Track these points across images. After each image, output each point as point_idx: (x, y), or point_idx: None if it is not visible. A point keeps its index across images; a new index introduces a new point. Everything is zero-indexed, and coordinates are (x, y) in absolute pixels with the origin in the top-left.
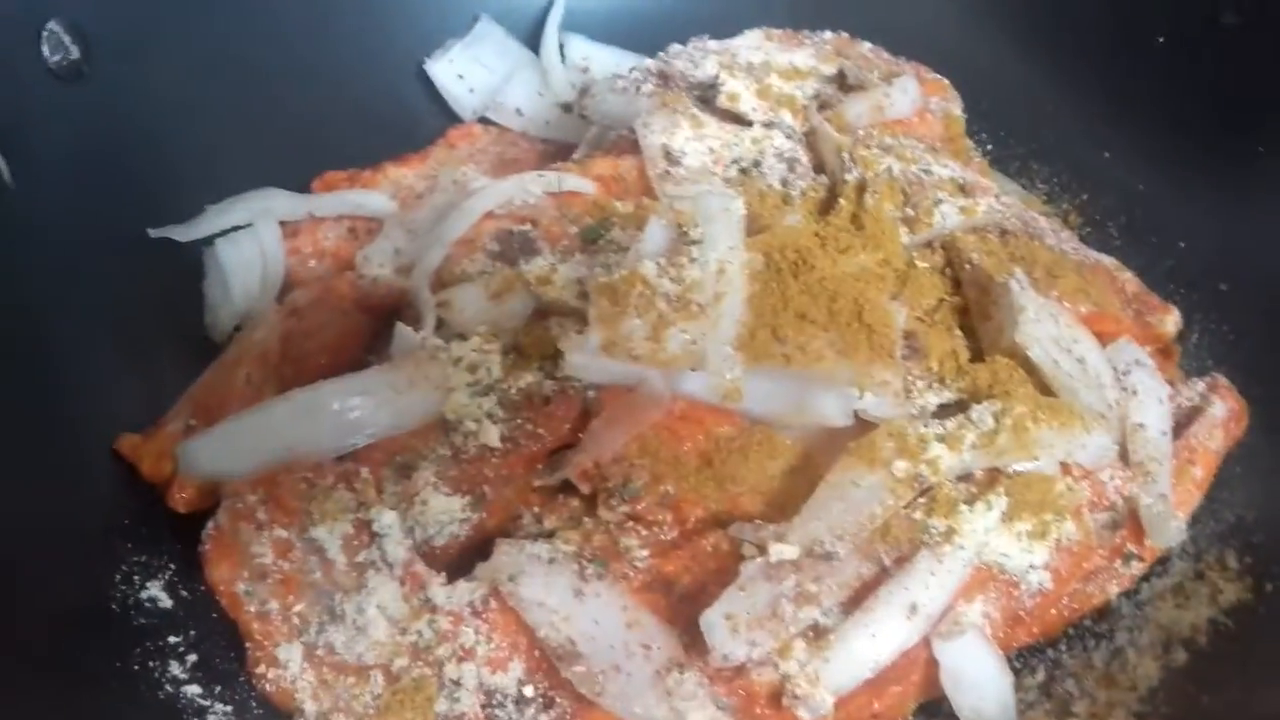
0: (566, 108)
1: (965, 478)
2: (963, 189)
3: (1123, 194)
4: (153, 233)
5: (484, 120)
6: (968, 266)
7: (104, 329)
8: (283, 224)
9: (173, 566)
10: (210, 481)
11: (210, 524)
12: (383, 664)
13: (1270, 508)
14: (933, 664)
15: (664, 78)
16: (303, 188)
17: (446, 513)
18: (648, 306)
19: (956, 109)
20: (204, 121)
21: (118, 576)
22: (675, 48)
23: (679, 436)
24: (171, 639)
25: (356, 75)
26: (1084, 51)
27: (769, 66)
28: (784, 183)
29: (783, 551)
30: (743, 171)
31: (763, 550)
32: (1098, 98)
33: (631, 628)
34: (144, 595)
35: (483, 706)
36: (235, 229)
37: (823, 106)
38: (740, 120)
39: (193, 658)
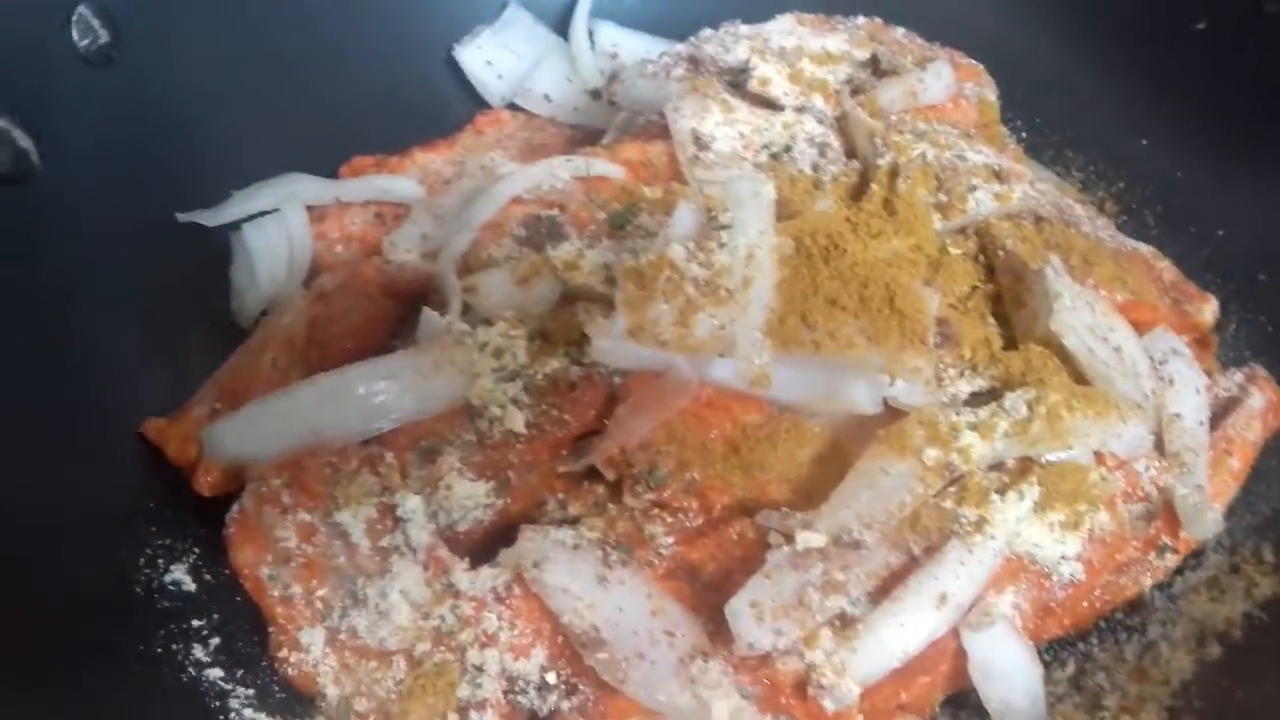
0: (595, 94)
1: (997, 467)
2: (997, 175)
3: (1160, 182)
4: (180, 217)
5: (512, 106)
6: (1001, 253)
7: (130, 313)
8: (310, 209)
9: (197, 550)
10: (235, 465)
11: (235, 507)
12: (405, 649)
13: None
14: (961, 655)
15: (694, 62)
16: (330, 173)
17: (471, 498)
18: (675, 291)
19: (991, 95)
20: (232, 106)
21: (142, 560)
22: (706, 32)
23: (706, 423)
24: (195, 622)
25: (385, 61)
26: (1122, 38)
27: (801, 51)
28: (815, 168)
29: (810, 539)
30: (773, 157)
31: (790, 538)
32: (1136, 84)
33: (655, 615)
34: (168, 579)
35: (505, 693)
36: (262, 214)
37: (855, 91)
38: (771, 105)
39: (215, 641)
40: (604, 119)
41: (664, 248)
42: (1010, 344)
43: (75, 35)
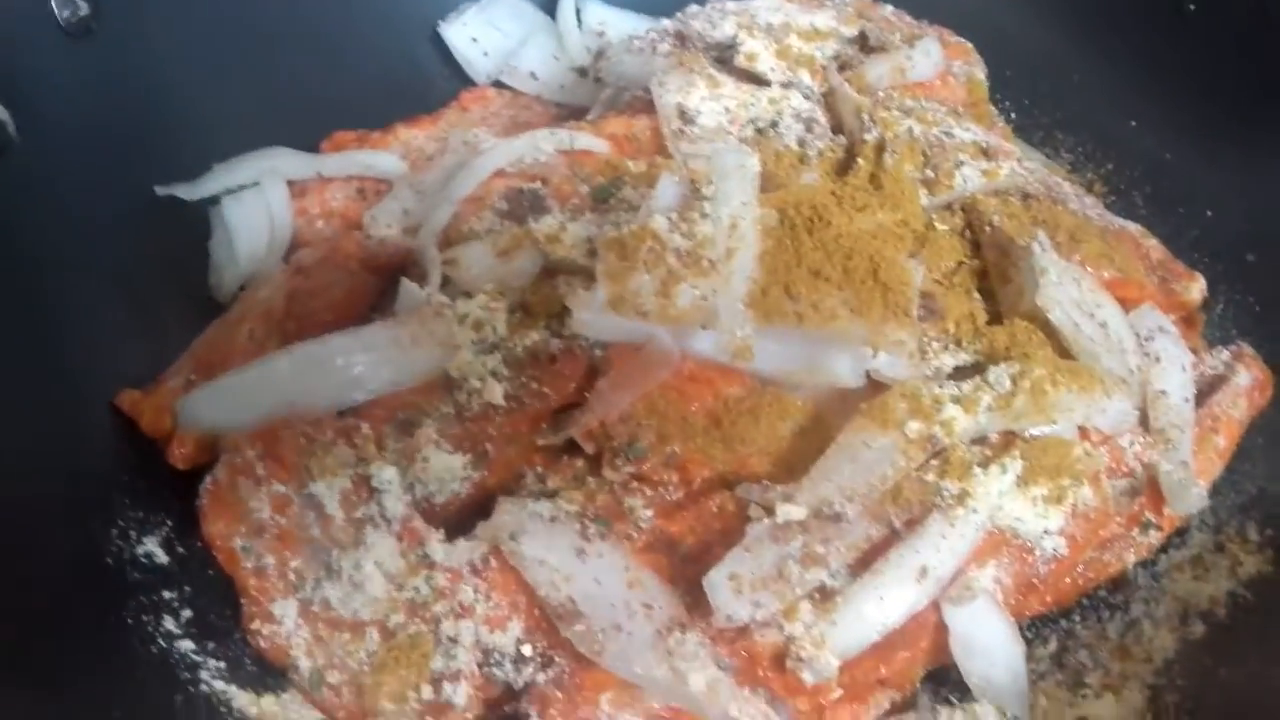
0: (582, 72)
1: (980, 441)
2: (985, 152)
3: (1149, 163)
4: (159, 190)
5: (498, 84)
6: (988, 229)
7: (108, 286)
8: (290, 184)
9: (170, 523)
10: (210, 436)
11: (208, 479)
12: (379, 620)
13: None
14: (942, 629)
15: (681, 38)
16: (311, 148)
17: (448, 470)
18: (657, 262)
19: (980, 73)
20: (213, 80)
21: (114, 532)
22: (693, 8)
23: (687, 396)
24: (166, 594)
25: (369, 36)
26: (1112, 18)
27: (789, 27)
28: (801, 143)
29: (790, 512)
30: (759, 131)
31: (770, 511)
32: (1126, 66)
33: (633, 587)
34: (140, 551)
35: (480, 665)
36: (242, 188)
37: (843, 68)
38: (758, 81)
39: (187, 613)
40: (590, 97)
41: (646, 218)
42: (995, 319)
43: (55, 6)
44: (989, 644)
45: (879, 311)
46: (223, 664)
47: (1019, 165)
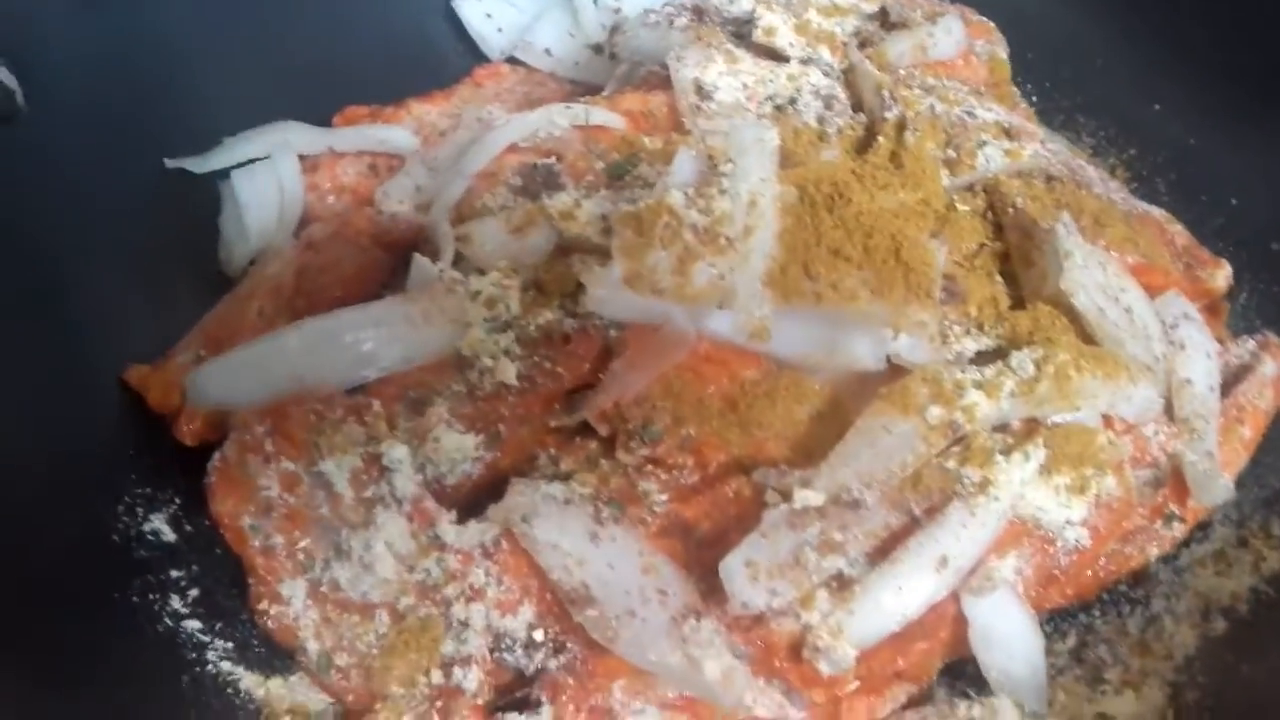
0: (597, 49)
1: (1002, 428)
2: (1007, 132)
3: (1173, 149)
4: (168, 163)
5: (511, 60)
6: (1011, 211)
7: (116, 259)
8: (302, 159)
9: (177, 500)
10: (218, 412)
11: (216, 456)
12: (389, 602)
13: None
14: (960, 621)
15: (698, 12)
16: (323, 122)
17: (459, 450)
18: (674, 238)
19: (1002, 53)
20: (224, 52)
21: (120, 508)
22: None
23: (703, 378)
24: (173, 573)
25: (382, 10)
26: (1136, 1)
27: (808, 3)
28: (820, 120)
29: (808, 498)
30: (778, 108)
31: (787, 497)
32: (1149, 49)
33: (647, 573)
34: (146, 528)
35: (491, 650)
36: (253, 162)
37: (863, 44)
38: (776, 56)
39: (194, 592)
40: (605, 75)
41: (663, 194)
42: (1017, 304)
43: None
44: (1008, 636)
45: (900, 292)
46: (230, 645)
47: (1042, 147)
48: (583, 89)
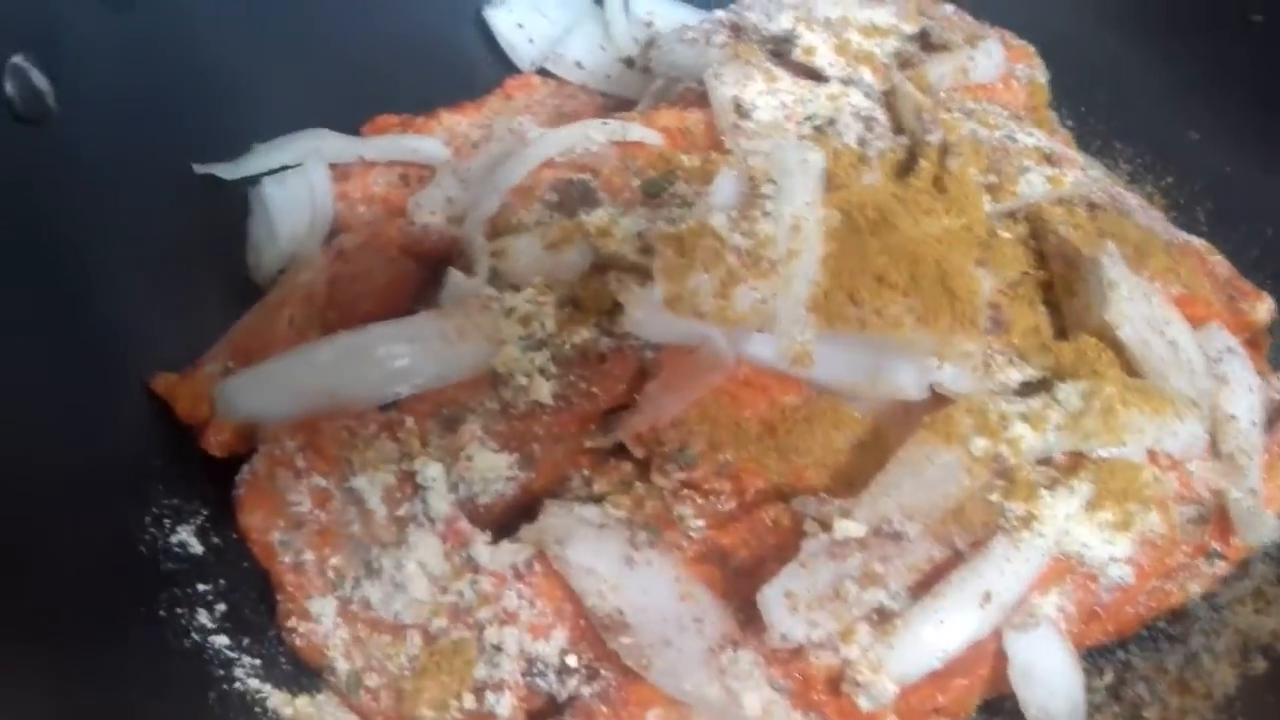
0: (629, 62)
1: (1045, 461)
2: (1049, 159)
3: (1210, 177)
4: (198, 168)
5: (542, 72)
6: (1054, 239)
7: (144, 265)
8: (332, 167)
9: (205, 512)
10: (247, 424)
11: (246, 469)
12: (420, 624)
13: None
14: (1001, 657)
15: (736, 30)
16: (353, 131)
17: (493, 470)
18: (716, 261)
19: (1042, 77)
20: (255, 57)
21: (147, 519)
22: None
23: (741, 403)
24: (200, 586)
25: (413, 19)
26: (1175, 26)
27: (847, 22)
28: (861, 142)
29: (848, 529)
30: (817, 129)
31: (827, 526)
32: (1188, 76)
33: (684, 600)
34: (174, 540)
35: (523, 674)
36: (283, 169)
37: (903, 65)
38: (816, 76)
39: (221, 607)
40: (637, 89)
41: (705, 215)
42: (1059, 334)
43: None
44: (1050, 674)
45: (946, 321)
46: (258, 662)
47: (1083, 173)
48: (614, 103)
